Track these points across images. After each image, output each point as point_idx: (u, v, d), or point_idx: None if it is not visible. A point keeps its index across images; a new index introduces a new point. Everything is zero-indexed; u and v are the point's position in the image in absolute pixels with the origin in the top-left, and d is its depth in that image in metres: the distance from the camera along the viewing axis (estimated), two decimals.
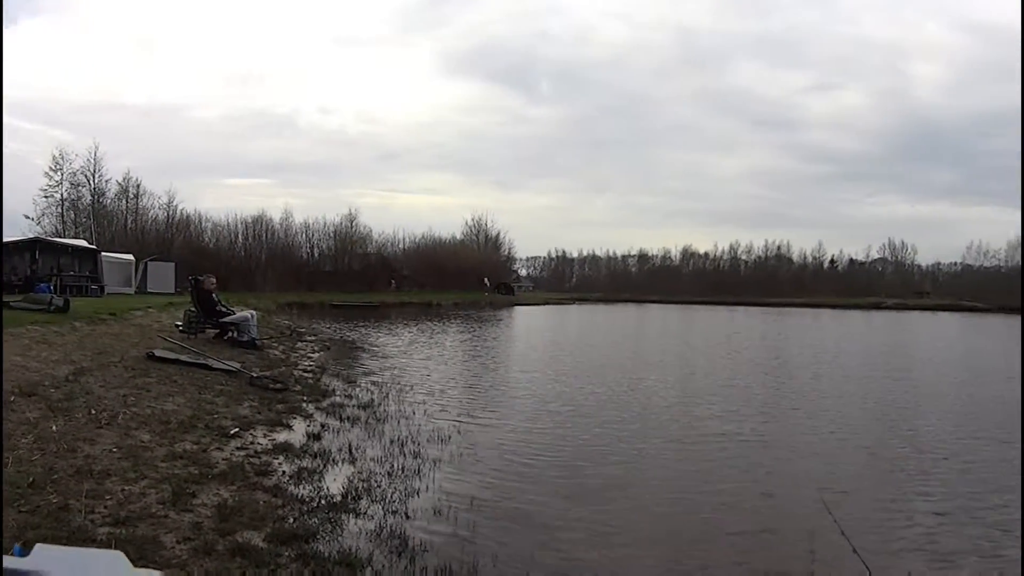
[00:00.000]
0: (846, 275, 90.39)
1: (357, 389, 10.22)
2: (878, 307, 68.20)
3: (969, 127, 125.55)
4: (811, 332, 31.60)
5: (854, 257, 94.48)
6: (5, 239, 22.75)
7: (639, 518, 5.29)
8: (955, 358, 19.44)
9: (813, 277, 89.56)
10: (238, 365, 9.77)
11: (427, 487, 5.42)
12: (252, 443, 5.93)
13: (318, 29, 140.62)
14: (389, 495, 5.08)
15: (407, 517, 4.71)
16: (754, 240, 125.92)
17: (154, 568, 2.18)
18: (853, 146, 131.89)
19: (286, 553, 3.71)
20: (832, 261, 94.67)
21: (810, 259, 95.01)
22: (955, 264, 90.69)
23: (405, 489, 5.29)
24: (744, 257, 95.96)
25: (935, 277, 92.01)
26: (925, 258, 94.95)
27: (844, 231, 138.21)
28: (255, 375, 9.28)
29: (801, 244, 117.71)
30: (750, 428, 8.43)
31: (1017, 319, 41.00)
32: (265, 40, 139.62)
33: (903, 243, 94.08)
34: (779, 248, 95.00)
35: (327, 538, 4.07)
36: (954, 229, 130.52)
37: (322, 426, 7.16)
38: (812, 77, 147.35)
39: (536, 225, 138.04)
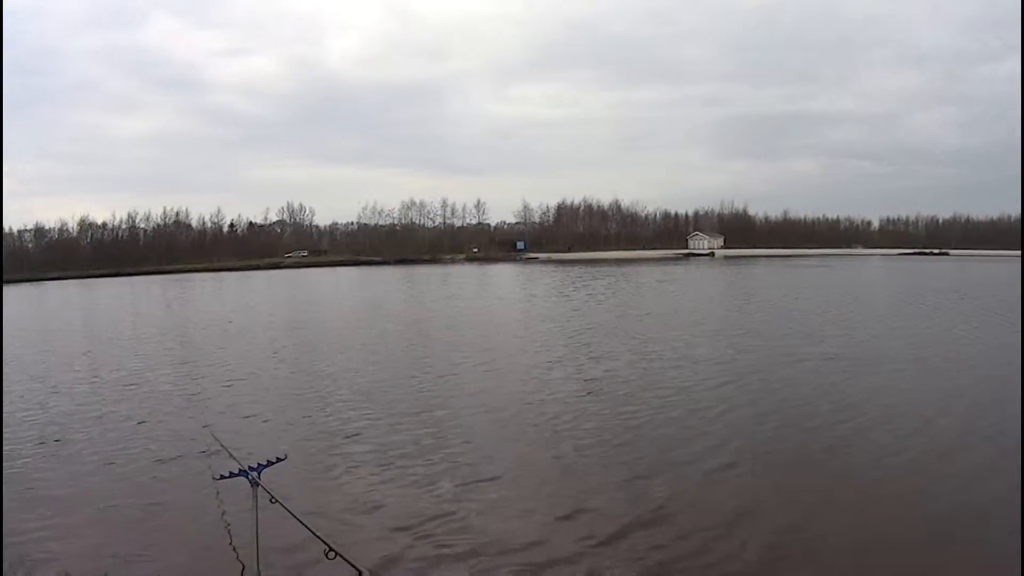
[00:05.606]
0: (246, 238, 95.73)
1: None
2: (278, 267, 77.73)
3: (378, 98, 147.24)
4: (210, 299, 37.83)
5: (253, 220, 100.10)
6: None
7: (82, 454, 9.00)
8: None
9: (213, 241, 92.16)
10: None
11: None
12: None
13: None
14: None
15: None
16: (153, 207, 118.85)
17: None
18: (260, 110, 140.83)
19: None
20: (232, 225, 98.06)
21: (210, 224, 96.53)
22: (351, 224, 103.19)
23: None
24: (143, 225, 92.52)
25: (333, 236, 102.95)
26: (323, 219, 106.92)
27: (245, 195, 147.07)
28: None
29: (201, 210, 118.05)
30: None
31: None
32: None
33: (301, 205, 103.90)
34: (178, 214, 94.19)
35: None
36: (352, 191, 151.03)
37: None
38: (226, 40, 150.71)
39: None
